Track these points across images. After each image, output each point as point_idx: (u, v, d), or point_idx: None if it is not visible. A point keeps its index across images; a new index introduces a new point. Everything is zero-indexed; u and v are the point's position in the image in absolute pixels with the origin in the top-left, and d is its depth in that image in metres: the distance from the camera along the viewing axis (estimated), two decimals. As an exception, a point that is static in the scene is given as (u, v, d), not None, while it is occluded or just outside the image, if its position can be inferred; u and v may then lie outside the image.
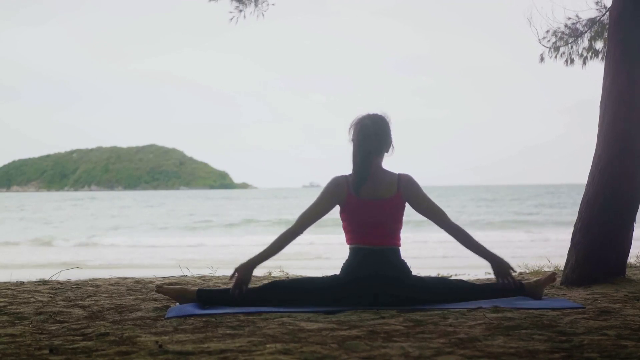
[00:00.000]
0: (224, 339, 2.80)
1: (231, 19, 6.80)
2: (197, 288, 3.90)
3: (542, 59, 6.73)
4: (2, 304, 3.88)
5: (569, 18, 6.48)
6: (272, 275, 5.93)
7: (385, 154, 3.82)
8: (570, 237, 4.88)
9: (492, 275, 6.36)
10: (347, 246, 3.80)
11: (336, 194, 3.77)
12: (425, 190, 3.85)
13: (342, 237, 3.86)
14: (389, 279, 3.66)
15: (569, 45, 6.63)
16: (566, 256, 4.86)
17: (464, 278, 5.33)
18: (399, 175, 3.81)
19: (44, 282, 5.03)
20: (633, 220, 4.75)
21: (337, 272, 3.78)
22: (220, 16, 7.06)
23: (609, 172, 4.70)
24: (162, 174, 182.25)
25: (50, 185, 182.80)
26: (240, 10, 6.82)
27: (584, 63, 6.68)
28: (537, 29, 6.47)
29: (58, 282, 5.05)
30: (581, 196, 4.89)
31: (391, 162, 3.84)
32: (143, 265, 13.19)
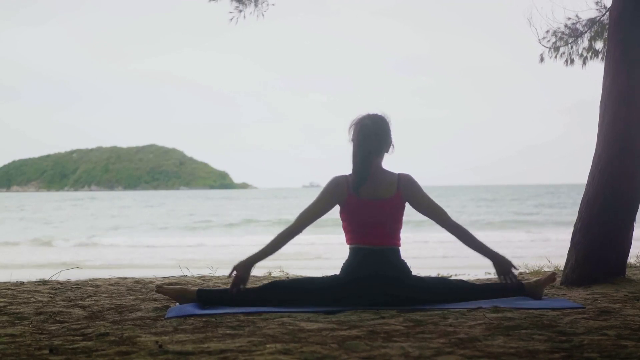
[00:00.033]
0: (224, 339, 2.80)
1: (231, 19, 6.80)
2: (197, 288, 3.90)
3: (542, 59, 6.73)
4: (2, 304, 3.88)
5: (569, 18, 6.48)
6: (272, 275, 5.93)
7: (385, 154, 3.82)
8: (570, 237, 4.88)
9: (492, 275, 6.36)
10: (347, 246, 3.80)
11: (336, 193, 3.77)
12: (425, 190, 3.85)
13: (342, 237, 3.86)
14: (389, 279, 3.66)
15: (569, 45, 6.63)
16: (566, 256, 4.85)
17: (464, 278, 5.33)
18: (399, 175, 3.81)
19: (44, 282, 5.03)
20: (633, 220, 4.75)
21: (337, 272, 3.78)
22: (220, 16, 7.07)
23: (609, 172, 4.70)
24: (162, 174, 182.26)
25: (50, 185, 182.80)
26: (240, 11, 6.82)
27: (584, 63, 6.68)
28: (537, 29, 6.47)
29: (58, 282, 5.05)
30: (581, 196, 4.89)
31: (391, 162, 3.84)
32: (143, 265, 13.19)
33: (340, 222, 3.83)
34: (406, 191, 3.78)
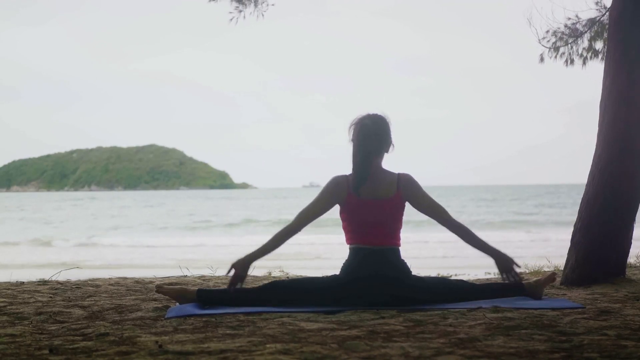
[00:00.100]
0: (224, 339, 2.80)
1: (231, 19, 6.80)
2: (197, 288, 3.90)
3: (542, 59, 6.74)
4: (2, 304, 3.88)
5: (569, 18, 6.48)
6: (272, 275, 5.93)
7: (385, 154, 3.82)
8: (570, 237, 4.88)
9: (492, 275, 6.36)
10: (347, 246, 3.80)
11: (336, 193, 3.77)
12: (425, 190, 3.85)
13: (342, 237, 3.85)
14: (389, 279, 3.66)
15: (569, 45, 6.63)
16: (566, 256, 4.85)
17: (464, 278, 5.33)
18: (399, 175, 3.81)
19: (44, 282, 5.03)
20: (633, 220, 4.75)
21: (337, 272, 3.78)
22: (220, 16, 7.07)
23: (609, 172, 4.70)
24: (162, 174, 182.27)
25: (50, 185, 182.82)
26: (240, 11, 6.82)
27: (584, 63, 6.68)
28: (537, 29, 6.48)
29: (58, 282, 5.05)
30: (581, 196, 4.89)
31: (391, 162, 3.84)
32: (143, 265, 13.20)
33: (340, 222, 3.83)
34: (406, 191, 3.78)
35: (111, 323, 3.27)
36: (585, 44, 6.63)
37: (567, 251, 4.86)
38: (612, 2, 4.93)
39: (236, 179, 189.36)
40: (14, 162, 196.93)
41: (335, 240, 15.32)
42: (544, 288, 4.06)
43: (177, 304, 3.77)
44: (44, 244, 21.71)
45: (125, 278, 5.38)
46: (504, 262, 3.78)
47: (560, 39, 6.60)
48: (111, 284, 4.91)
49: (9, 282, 5.09)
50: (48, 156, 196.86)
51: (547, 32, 6.59)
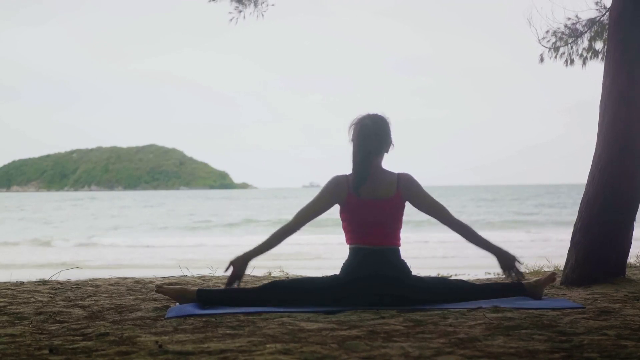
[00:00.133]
0: (224, 339, 2.80)
1: (231, 19, 6.81)
2: (197, 288, 3.90)
3: (542, 59, 6.74)
4: (2, 304, 3.88)
5: (569, 18, 6.49)
6: (272, 275, 5.93)
7: (385, 154, 3.82)
8: (570, 237, 4.88)
9: (492, 275, 6.36)
10: (347, 246, 3.80)
11: (336, 193, 3.77)
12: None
13: (341, 237, 3.85)
14: (389, 279, 3.66)
15: (569, 45, 6.63)
16: (566, 256, 4.86)
17: (464, 278, 5.33)
18: (399, 175, 3.81)
19: (44, 282, 5.03)
20: (633, 220, 4.75)
21: (337, 272, 3.78)
22: (220, 16, 7.07)
23: (609, 172, 4.70)
24: (162, 174, 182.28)
25: (50, 185, 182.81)
26: (240, 11, 6.83)
27: (584, 63, 6.68)
28: (537, 29, 6.48)
29: (58, 282, 5.05)
30: (581, 196, 4.89)
31: (391, 162, 3.84)
32: (143, 265, 13.20)
33: (340, 222, 3.83)
34: (406, 191, 3.78)
35: (111, 323, 3.27)
36: (585, 44, 6.63)
37: (567, 251, 4.86)
38: (612, 2, 4.93)
39: (236, 179, 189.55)
40: (14, 162, 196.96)
41: (335, 240, 15.32)
42: (544, 288, 4.06)
43: (177, 304, 3.77)
44: (44, 244, 21.72)
45: (125, 278, 5.38)
46: (506, 260, 3.78)
47: (560, 39, 6.61)
48: (111, 284, 4.91)
49: (9, 282, 5.08)
50: (48, 156, 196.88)
51: (547, 32, 6.60)
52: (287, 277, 5.50)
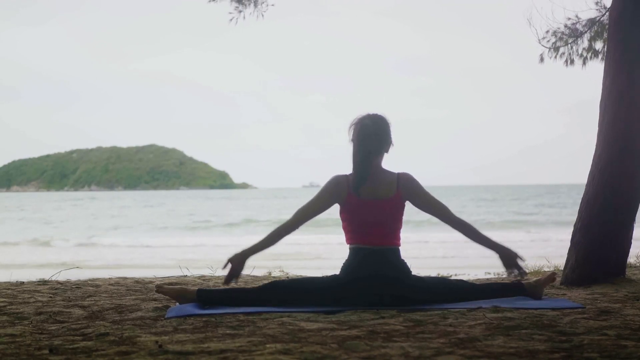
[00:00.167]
0: (224, 339, 2.80)
1: (231, 19, 6.81)
2: (197, 288, 3.90)
3: (541, 59, 6.74)
4: (2, 304, 3.88)
5: (569, 18, 6.49)
6: (272, 275, 5.93)
7: (385, 154, 3.82)
8: (570, 237, 4.88)
9: (492, 275, 6.36)
10: (347, 246, 3.80)
11: (336, 193, 3.77)
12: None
13: (341, 237, 3.86)
14: (389, 279, 3.66)
15: (569, 45, 6.63)
16: (566, 256, 4.86)
17: (464, 278, 5.33)
18: (398, 174, 3.81)
19: (44, 282, 5.03)
20: (633, 220, 4.75)
21: (337, 272, 3.78)
22: (220, 16, 7.08)
23: (609, 172, 4.70)
24: (162, 174, 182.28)
25: (50, 185, 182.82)
26: (240, 11, 6.83)
27: (584, 63, 6.68)
28: (537, 29, 6.48)
29: (58, 282, 5.05)
30: (581, 196, 4.90)
31: (391, 162, 3.84)
32: (143, 265, 13.20)
33: (340, 222, 3.83)
34: (406, 190, 3.78)
35: (111, 323, 3.27)
36: (585, 44, 6.63)
37: (567, 251, 4.86)
38: (612, 2, 4.93)
39: (236, 179, 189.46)
40: (14, 162, 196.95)
41: (335, 240, 15.33)
42: (544, 288, 4.06)
43: (177, 304, 3.77)
44: (43, 244, 21.72)
45: (125, 278, 5.38)
46: (508, 257, 3.77)
47: (560, 39, 6.61)
48: (111, 284, 4.91)
49: (9, 282, 5.09)
50: (48, 156, 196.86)
51: (547, 32, 6.60)
52: (287, 277, 5.50)
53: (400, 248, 3.79)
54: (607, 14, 5.43)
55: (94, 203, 63.04)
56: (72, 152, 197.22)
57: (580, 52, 6.66)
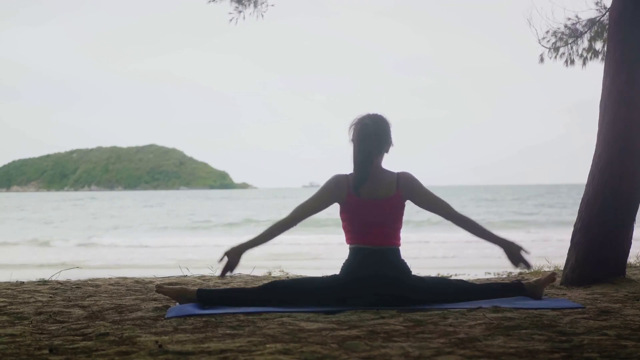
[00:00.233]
0: (224, 339, 2.80)
1: (231, 19, 6.81)
2: (197, 288, 3.90)
3: (541, 60, 6.74)
4: (2, 304, 3.88)
5: (569, 18, 6.49)
6: (272, 275, 5.93)
7: (385, 154, 3.82)
8: (570, 237, 4.88)
9: (492, 275, 6.36)
10: (347, 246, 3.80)
11: (335, 192, 3.77)
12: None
13: (341, 237, 3.86)
14: (389, 279, 3.66)
15: (569, 45, 6.63)
16: (566, 256, 4.86)
17: (464, 278, 5.34)
18: (398, 174, 3.81)
19: (44, 282, 5.03)
20: (633, 220, 4.75)
21: (337, 272, 3.78)
22: (220, 17, 7.08)
23: (609, 172, 4.70)
24: (162, 174, 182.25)
25: (50, 185, 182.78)
26: (240, 11, 6.83)
27: (584, 63, 6.69)
28: (537, 30, 6.49)
29: (58, 282, 5.05)
30: (581, 196, 4.90)
31: (391, 162, 3.84)
32: (143, 265, 13.20)
33: (340, 222, 3.83)
34: (406, 189, 3.78)
35: (111, 323, 3.27)
36: (585, 44, 6.63)
37: (567, 251, 4.86)
38: (612, 2, 4.93)
39: (236, 179, 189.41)
40: (14, 162, 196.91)
41: (335, 240, 15.32)
42: (544, 288, 4.06)
43: (177, 304, 3.77)
44: (43, 244, 21.71)
45: (125, 278, 5.38)
46: (513, 251, 3.77)
47: (560, 39, 6.61)
48: (111, 284, 4.91)
49: (9, 282, 5.09)
50: (48, 156, 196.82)
51: (547, 32, 6.60)
52: (287, 277, 5.50)
53: (400, 248, 3.79)
54: (607, 14, 5.43)
55: (93, 203, 63.03)
56: (72, 152, 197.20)
57: (580, 52, 6.67)
